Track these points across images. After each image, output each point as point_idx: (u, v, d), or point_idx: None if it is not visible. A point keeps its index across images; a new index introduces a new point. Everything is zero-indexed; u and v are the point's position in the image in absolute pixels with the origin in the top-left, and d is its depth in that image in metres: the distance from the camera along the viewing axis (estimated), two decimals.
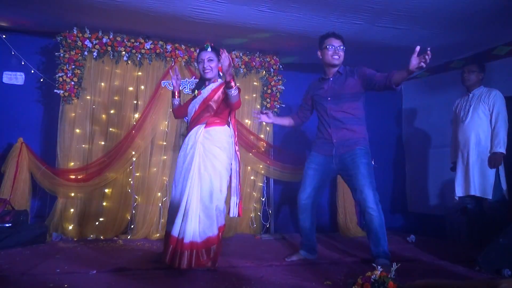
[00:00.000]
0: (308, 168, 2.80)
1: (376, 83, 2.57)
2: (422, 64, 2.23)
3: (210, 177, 2.43)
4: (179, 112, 2.84)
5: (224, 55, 2.36)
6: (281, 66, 4.47)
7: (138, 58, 4.01)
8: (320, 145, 2.78)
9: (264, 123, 4.27)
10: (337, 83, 2.76)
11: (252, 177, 4.32)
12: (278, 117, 3.10)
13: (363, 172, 2.59)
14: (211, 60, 2.62)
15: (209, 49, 2.64)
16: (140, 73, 4.05)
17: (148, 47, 4.01)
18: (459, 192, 3.33)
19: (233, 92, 2.47)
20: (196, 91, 2.69)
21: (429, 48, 2.22)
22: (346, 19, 3.41)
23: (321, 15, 3.32)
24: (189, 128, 2.63)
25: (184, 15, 3.37)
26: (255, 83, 4.45)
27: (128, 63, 4.02)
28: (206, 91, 2.64)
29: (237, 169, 2.65)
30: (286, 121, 3.08)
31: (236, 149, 2.65)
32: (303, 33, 3.69)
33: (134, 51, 3.98)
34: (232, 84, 2.44)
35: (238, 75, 4.32)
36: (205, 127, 2.53)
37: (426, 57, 2.21)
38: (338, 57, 2.71)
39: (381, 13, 3.27)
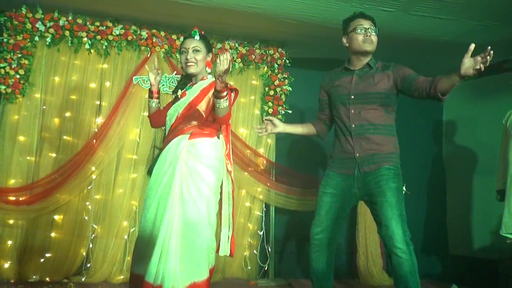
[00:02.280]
0: (323, 193, 2.76)
1: (417, 88, 2.57)
2: (480, 66, 2.21)
3: (195, 204, 2.45)
4: (157, 118, 2.83)
5: (223, 58, 2.36)
6: (287, 61, 4.57)
7: (104, 47, 4.09)
8: (338, 161, 2.76)
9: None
10: (364, 78, 2.74)
11: (247, 204, 4.38)
12: (290, 124, 2.97)
13: (391, 200, 2.57)
14: (198, 51, 2.64)
15: (197, 37, 2.66)
16: (106, 66, 4.13)
17: (118, 32, 4.10)
18: (508, 228, 3.43)
19: (223, 103, 2.50)
20: (180, 91, 2.72)
21: (489, 47, 2.19)
22: (372, 5, 3.52)
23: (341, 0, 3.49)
24: (166, 139, 2.64)
25: None
26: (253, 82, 4.55)
27: (90, 52, 4.09)
28: (192, 92, 2.66)
29: (231, 192, 2.70)
30: (303, 129, 2.98)
31: (229, 168, 2.68)
32: (318, 20, 3.82)
33: (99, 37, 4.07)
34: (224, 94, 2.46)
35: (233, 72, 4.41)
36: (189, 139, 2.56)
37: (488, 57, 2.18)
38: (370, 41, 2.68)
39: None
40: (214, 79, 2.54)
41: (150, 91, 2.81)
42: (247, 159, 4.34)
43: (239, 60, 4.44)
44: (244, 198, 4.36)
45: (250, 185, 4.33)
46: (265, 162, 4.42)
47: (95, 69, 4.11)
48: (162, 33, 4.23)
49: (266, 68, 4.55)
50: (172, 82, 4.19)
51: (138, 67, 4.16)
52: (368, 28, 2.68)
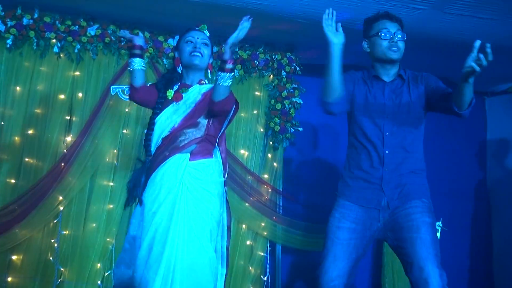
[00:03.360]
0: (338, 228, 2.73)
1: (439, 100, 2.66)
2: (473, 65, 2.28)
3: (201, 245, 2.50)
4: (145, 95, 2.77)
5: (245, 25, 2.47)
6: (298, 68, 4.56)
7: (76, 50, 4.08)
8: (357, 190, 2.76)
9: (269, 156, 4.42)
10: (398, 93, 2.78)
11: (248, 242, 4.34)
12: (340, 60, 2.66)
13: (425, 237, 2.59)
14: (206, 44, 2.77)
15: (206, 32, 2.81)
16: (78, 73, 4.12)
17: (93, 33, 4.09)
18: None
19: (227, 79, 2.52)
20: (171, 91, 2.74)
21: (488, 45, 2.27)
22: (400, 1, 3.50)
23: None
24: (158, 155, 2.66)
25: None
26: (257, 93, 4.53)
27: (60, 57, 4.08)
28: (192, 96, 2.72)
29: (228, 220, 2.75)
30: (340, 71, 2.69)
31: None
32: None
33: (70, 38, 4.05)
34: (231, 66, 2.52)
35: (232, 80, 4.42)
36: (190, 159, 2.60)
37: (481, 56, 2.27)
38: (396, 48, 2.72)
39: None
40: (212, 85, 2.65)
41: (132, 45, 2.70)
42: (248, 187, 4.32)
43: (239, 66, 4.42)
44: (245, 235, 4.31)
45: (251, 218, 4.31)
46: (270, 190, 4.41)
47: (65, 77, 4.09)
48: (147, 34, 4.20)
49: (272, 76, 4.56)
50: None
51: (117, 74, 4.15)
52: (394, 33, 2.71)
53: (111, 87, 4.12)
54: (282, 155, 4.53)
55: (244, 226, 4.33)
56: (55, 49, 4.04)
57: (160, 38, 4.25)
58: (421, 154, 2.77)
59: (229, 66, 2.50)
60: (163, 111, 2.71)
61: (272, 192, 4.42)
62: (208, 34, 2.81)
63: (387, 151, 2.69)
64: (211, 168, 2.63)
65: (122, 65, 4.18)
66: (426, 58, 4.32)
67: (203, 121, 2.67)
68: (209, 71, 2.89)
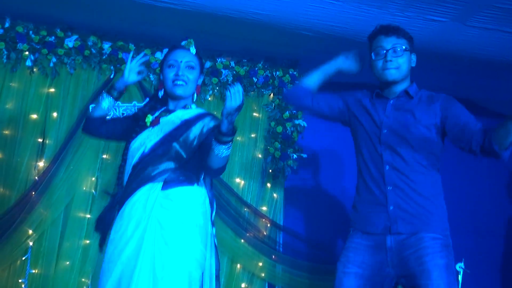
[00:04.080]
0: (344, 273, 2.75)
1: (469, 138, 2.59)
2: None
3: (172, 285, 2.42)
4: (106, 125, 2.83)
5: (235, 90, 2.40)
6: None
7: (51, 64, 4.09)
8: (365, 214, 2.79)
9: (269, 185, 4.41)
10: (401, 110, 2.79)
11: (243, 285, 4.29)
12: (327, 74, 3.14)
13: (438, 283, 2.56)
14: (192, 67, 2.73)
15: (193, 50, 2.77)
16: (53, 90, 4.12)
17: (71, 45, 4.11)
18: None
19: (225, 151, 2.52)
20: (149, 116, 2.73)
21: None
22: (417, 12, 3.50)
23: (376, 4, 3.46)
24: (128, 186, 2.64)
25: None
26: (255, 114, 4.53)
27: (33, 71, 4.09)
28: (169, 122, 2.70)
29: (217, 269, 2.68)
30: (315, 80, 3.15)
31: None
32: (343, 31, 3.82)
33: (45, 51, 4.06)
34: (229, 139, 2.49)
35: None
36: (162, 189, 2.56)
37: None
38: (393, 67, 2.74)
39: (479, 3, 3.35)
40: (199, 110, 2.72)
41: (114, 88, 2.78)
42: (244, 220, 4.29)
43: (234, 83, 4.37)
44: (239, 277, 4.26)
45: (247, 257, 4.25)
46: (269, 225, 4.36)
47: (39, 94, 4.09)
48: (132, 47, 4.21)
49: (272, 95, 4.55)
50: (128, 110, 4.20)
51: (97, 92, 4.12)
52: (389, 49, 2.72)
53: (90, 106, 4.07)
54: (283, 185, 4.51)
55: (238, 266, 4.28)
56: (28, 63, 4.04)
57: (147, 52, 4.23)
58: (434, 178, 2.75)
59: (226, 139, 2.45)
60: (137, 137, 2.69)
61: (271, 227, 4.38)
62: (195, 51, 2.77)
63: (385, 163, 2.72)
64: (190, 197, 2.60)
65: (103, 81, 4.19)
66: (446, 77, 4.38)
67: (180, 149, 2.64)
68: (195, 95, 2.83)
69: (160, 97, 2.78)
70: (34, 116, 4.03)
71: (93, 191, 4.10)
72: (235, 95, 2.38)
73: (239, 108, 2.40)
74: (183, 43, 2.78)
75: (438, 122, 2.70)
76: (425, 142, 2.70)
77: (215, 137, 2.47)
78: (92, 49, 4.15)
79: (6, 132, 4.01)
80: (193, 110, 2.75)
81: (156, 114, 2.73)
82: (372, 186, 2.76)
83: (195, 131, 2.65)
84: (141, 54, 2.84)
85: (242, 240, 4.27)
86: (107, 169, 4.14)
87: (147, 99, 2.98)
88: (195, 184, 2.64)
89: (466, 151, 2.61)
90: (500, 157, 2.48)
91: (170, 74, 2.70)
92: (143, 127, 2.70)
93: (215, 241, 2.72)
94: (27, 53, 4.02)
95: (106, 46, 4.18)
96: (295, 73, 4.56)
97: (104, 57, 4.17)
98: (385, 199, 2.70)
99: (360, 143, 2.85)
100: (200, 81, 2.80)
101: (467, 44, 3.90)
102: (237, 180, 4.40)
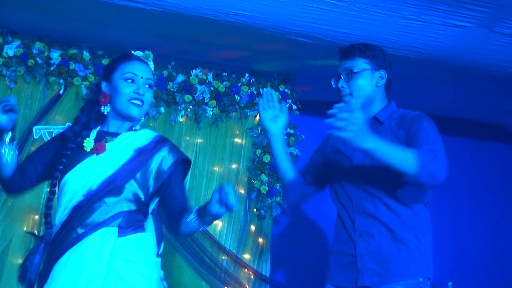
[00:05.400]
0: None
1: None
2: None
3: None
4: (22, 175, 2.62)
5: (229, 190, 2.20)
6: (295, 107, 4.40)
7: None
8: (335, 268, 2.78)
9: (253, 228, 4.24)
10: None
11: None
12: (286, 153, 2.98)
13: None
14: (150, 87, 2.57)
15: (151, 64, 2.64)
16: None
17: (11, 53, 3.88)
18: None
19: (201, 226, 2.37)
20: (88, 140, 2.49)
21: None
22: (436, 16, 3.36)
23: (385, 6, 3.29)
24: (67, 231, 2.43)
25: None
26: (237, 140, 4.36)
27: None
28: (119, 150, 2.49)
29: None
30: (288, 171, 2.95)
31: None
32: (348, 37, 3.58)
33: None
34: (208, 224, 2.38)
35: (202, 122, 4.27)
36: (119, 235, 2.40)
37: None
38: (347, 94, 2.75)
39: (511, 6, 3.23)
40: (150, 133, 2.57)
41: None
42: (221, 271, 4.08)
43: (213, 103, 4.24)
44: None
45: None
46: (252, 276, 4.19)
47: None
48: (86, 56, 4.03)
49: (258, 117, 4.28)
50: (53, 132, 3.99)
51: (43, 110, 3.97)
52: (341, 75, 2.78)
53: (34, 128, 3.93)
54: (270, 228, 4.35)
55: None
56: None
57: (105, 62, 3.97)
58: (414, 219, 2.67)
59: (208, 223, 2.35)
60: (76, 166, 2.44)
61: (255, 279, 4.19)
62: (153, 67, 2.64)
63: (355, 205, 2.74)
64: (145, 246, 2.46)
65: (50, 97, 4.01)
66: (468, 95, 4.17)
67: (136, 188, 2.45)
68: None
69: (105, 113, 2.53)
70: None
71: (35, 231, 3.85)
72: (229, 195, 2.18)
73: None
74: (139, 54, 2.62)
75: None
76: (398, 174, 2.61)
77: (199, 212, 2.31)
78: (38, 58, 3.94)
79: None
80: (143, 134, 2.55)
81: (94, 136, 2.50)
82: (342, 230, 2.79)
83: (153, 166, 2.48)
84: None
85: None
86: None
87: (80, 114, 2.67)
88: (147, 230, 2.52)
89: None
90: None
91: (127, 89, 2.47)
92: (79, 153, 2.48)
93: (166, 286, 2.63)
94: None
95: (55, 55, 3.97)
96: (286, 90, 4.38)
97: (52, 68, 3.96)
98: (354, 249, 2.71)
99: (334, 184, 2.88)
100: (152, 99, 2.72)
101: (496, 55, 3.72)
102: (214, 221, 3.99)
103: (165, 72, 4.12)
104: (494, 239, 4.98)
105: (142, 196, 2.45)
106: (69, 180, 2.46)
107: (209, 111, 4.22)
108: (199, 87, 4.17)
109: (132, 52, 2.65)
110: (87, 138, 2.48)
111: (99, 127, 2.54)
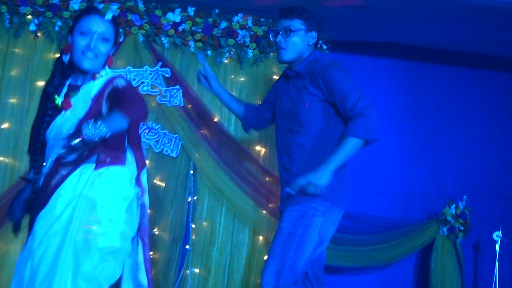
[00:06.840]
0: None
1: (343, 114, 2.90)
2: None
3: (92, 255, 2.36)
4: None
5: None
6: (325, 47, 4.48)
7: (56, 28, 4.02)
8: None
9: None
10: (293, 90, 3.08)
11: (265, 258, 4.03)
12: (228, 93, 3.48)
13: (273, 245, 2.92)
14: (106, 39, 2.58)
15: (109, 17, 2.59)
16: (59, 55, 3.97)
17: (77, 7, 4.00)
18: None
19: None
20: (58, 98, 2.55)
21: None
22: None
23: None
24: (51, 175, 2.51)
25: None
26: (275, 77, 4.38)
27: (37, 36, 4.04)
28: (80, 103, 2.53)
29: (143, 236, 2.65)
30: (233, 105, 3.45)
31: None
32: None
33: (49, 14, 3.99)
34: None
35: (244, 62, 4.41)
36: (96, 167, 2.48)
37: None
38: (282, 47, 3.03)
39: None
40: (106, 76, 2.56)
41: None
42: (266, 190, 4.28)
43: (253, 45, 4.37)
44: (262, 249, 4.26)
45: (270, 229, 4.09)
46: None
47: (44, 60, 4.03)
48: (141, 8, 4.14)
49: None
50: (156, 78, 4.17)
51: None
52: (279, 32, 3.04)
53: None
54: None
55: (261, 238, 4.26)
56: (32, 27, 3.98)
57: (158, 13, 4.16)
58: (320, 135, 2.96)
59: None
60: (52, 124, 2.54)
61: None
62: (111, 17, 2.58)
63: (281, 169, 3.12)
64: (118, 176, 2.53)
65: None
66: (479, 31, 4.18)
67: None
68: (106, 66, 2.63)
69: (66, 62, 2.59)
70: (41, 83, 3.86)
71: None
72: None
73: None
74: (100, 6, 2.61)
75: (319, 93, 2.93)
76: (313, 116, 2.95)
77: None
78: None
79: (13, 100, 3.99)
80: (99, 81, 2.55)
81: (65, 91, 2.56)
82: (280, 167, 3.18)
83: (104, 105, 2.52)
84: None
85: (264, 211, 4.23)
86: None
87: (55, 66, 2.68)
88: (127, 164, 2.59)
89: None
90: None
91: (81, 43, 2.52)
92: (54, 110, 2.55)
93: (145, 202, 2.67)
94: (30, 16, 3.97)
95: (114, 7, 3.94)
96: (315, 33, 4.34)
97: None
98: (280, 173, 3.16)
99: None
100: (112, 52, 2.64)
101: None
102: (257, 147, 4.36)
103: (210, 20, 4.24)
104: (505, 157, 5.07)
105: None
106: (49, 136, 2.56)
107: (250, 53, 4.36)
108: (240, 32, 4.31)
109: (95, 5, 2.73)
110: (55, 96, 2.55)
111: (70, 79, 2.59)
